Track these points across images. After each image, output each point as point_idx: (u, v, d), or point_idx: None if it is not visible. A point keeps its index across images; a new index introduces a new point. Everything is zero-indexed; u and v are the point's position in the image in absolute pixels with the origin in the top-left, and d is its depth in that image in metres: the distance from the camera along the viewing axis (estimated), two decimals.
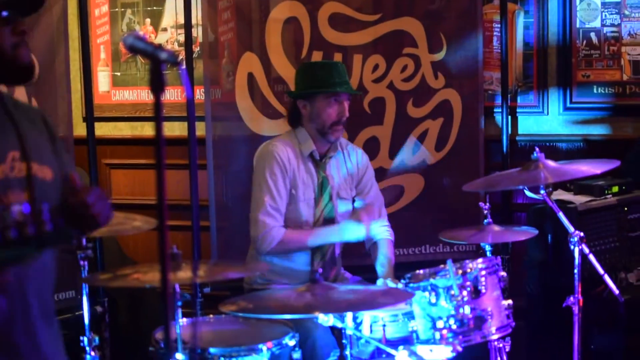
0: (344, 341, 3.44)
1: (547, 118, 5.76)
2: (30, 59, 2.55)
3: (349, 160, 4.68)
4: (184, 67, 2.08)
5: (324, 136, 4.51)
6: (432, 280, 3.60)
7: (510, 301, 3.75)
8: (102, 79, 6.40)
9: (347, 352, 3.45)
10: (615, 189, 4.88)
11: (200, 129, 5.52)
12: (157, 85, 1.93)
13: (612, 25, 5.60)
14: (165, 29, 6.25)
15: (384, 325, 3.66)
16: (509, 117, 5.68)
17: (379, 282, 4.39)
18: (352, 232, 4.41)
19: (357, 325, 3.64)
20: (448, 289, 3.57)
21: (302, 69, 4.76)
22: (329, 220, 4.57)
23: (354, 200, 4.70)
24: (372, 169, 4.82)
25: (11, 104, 2.61)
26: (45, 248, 2.45)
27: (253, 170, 4.60)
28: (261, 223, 4.38)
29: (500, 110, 5.66)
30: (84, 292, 4.10)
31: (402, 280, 3.72)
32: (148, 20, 6.27)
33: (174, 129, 6.09)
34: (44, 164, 2.58)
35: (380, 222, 4.58)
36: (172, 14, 6.22)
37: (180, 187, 5.69)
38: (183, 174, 5.61)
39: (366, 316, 3.68)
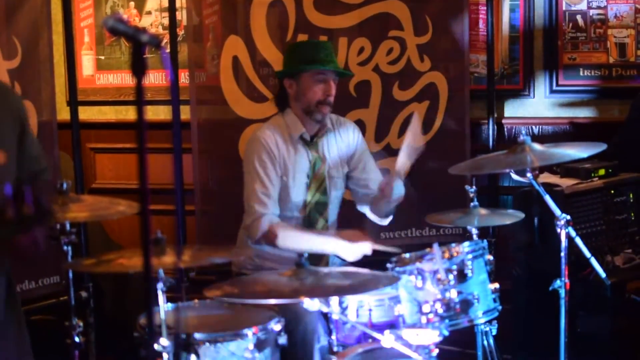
0: (330, 326, 3.43)
1: (533, 101, 5.75)
2: None
3: (341, 139, 4.59)
4: (166, 50, 2.06)
5: (310, 115, 4.42)
6: (418, 264, 3.58)
7: (496, 285, 3.74)
8: (86, 63, 6.36)
9: (333, 337, 3.45)
10: (602, 171, 4.88)
11: (185, 113, 5.49)
12: (138, 67, 1.90)
13: (598, 7, 5.59)
14: (149, 12, 6.21)
15: (370, 310, 3.64)
16: (495, 100, 5.67)
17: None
18: (341, 251, 4.35)
19: (343, 310, 3.63)
20: (434, 272, 3.56)
21: (289, 48, 4.71)
22: (321, 204, 4.52)
23: (347, 177, 4.62)
24: (364, 142, 4.70)
25: None
26: (26, 230, 2.43)
27: (242, 158, 4.56)
28: (252, 210, 4.33)
29: (486, 93, 5.65)
30: (69, 277, 4.07)
31: (388, 264, 3.71)
32: (132, 4, 6.22)
33: (159, 113, 6.07)
34: None
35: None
36: None
37: (164, 171, 5.67)
38: (167, 158, 5.59)
39: (352, 301, 3.67)
